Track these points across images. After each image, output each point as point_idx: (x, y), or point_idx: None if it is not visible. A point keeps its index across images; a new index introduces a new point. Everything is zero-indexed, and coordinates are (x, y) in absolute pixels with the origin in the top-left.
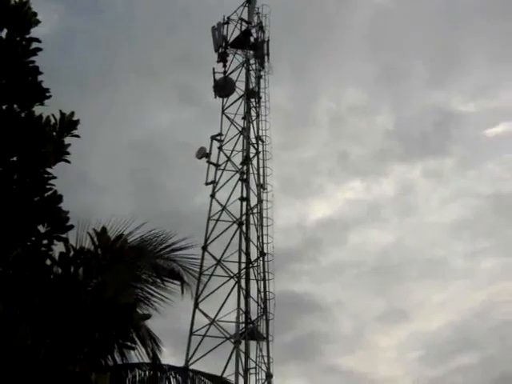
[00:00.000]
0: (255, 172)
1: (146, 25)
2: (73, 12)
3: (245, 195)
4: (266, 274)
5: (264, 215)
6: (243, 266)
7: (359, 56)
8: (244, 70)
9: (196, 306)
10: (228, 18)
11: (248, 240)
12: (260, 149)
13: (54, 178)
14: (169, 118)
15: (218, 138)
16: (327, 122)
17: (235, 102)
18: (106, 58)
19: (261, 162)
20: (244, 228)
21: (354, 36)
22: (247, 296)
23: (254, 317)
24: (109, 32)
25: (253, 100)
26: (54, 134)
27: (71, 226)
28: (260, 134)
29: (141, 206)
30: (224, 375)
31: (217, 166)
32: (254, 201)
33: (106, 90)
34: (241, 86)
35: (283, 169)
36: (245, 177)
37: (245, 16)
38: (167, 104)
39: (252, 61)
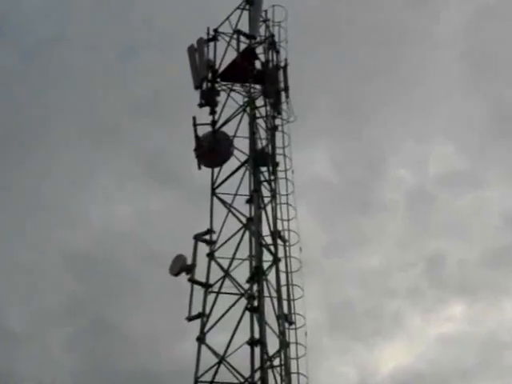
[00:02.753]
0: (273, 295)
1: (89, 53)
2: None
3: (257, 336)
4: None
5: (292, 369)
6: None
7: (450, 90)
8: (246, 118)
9: None
10: (215, 30)
11: None
12: (280, 254)
13: None
14: (126, 207)
15: (207, 237)
16: (403, 202)
17: (233, 173)
18: (29, 109)
19: (283, 276)
20: None
21: (440, 56)
22: None
23: None
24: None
25: (264, 169)
26: None
27: None
28: (280, 227)
29: (85, 362)
30: None
31: (206, 286)
32: (273, 346)
33: (27, 158)
34: (242, 146)
35: (329, 287)
36: (255, 304)
37: (244, 26)
38: (124, 182)
39: (260, 101)
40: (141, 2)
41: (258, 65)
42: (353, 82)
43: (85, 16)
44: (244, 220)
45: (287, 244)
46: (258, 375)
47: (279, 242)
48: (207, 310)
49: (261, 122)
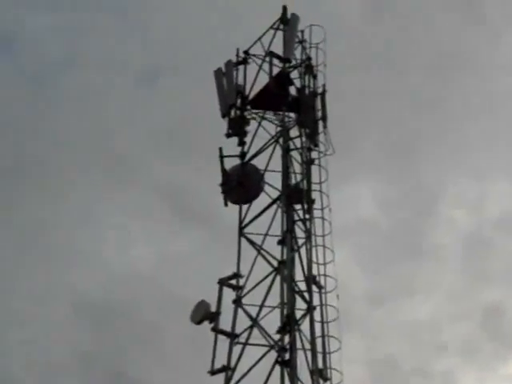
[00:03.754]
0: (307, 347)
1: (105, 76)
2: None
3: None
4: None
5: None
6: None
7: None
8: (279, 150)
9: None
10: (246, 52)
11: None
12: (316, 302)
13: None
14: (146, 248)
15: (234, 282)
16: (457, 247)
17: (264, 211)
18: (36, 141)
19: (318, 326)
20: None
21: (500, 83)
22: None
23: None
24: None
25: (298, 207)
26: None
27: None
28: (315, 272)
29: None
30: None
31: (232, 336)
32: None
33: (34, 194)
34: (274, 181)
35: (372, 341)
36: (287, 357)
37: (278, 48)
38: (143, 221)
39: (294, 132)
40: (163, 19)
41: (292, 91)
42: (402, 113)
43: (99, 35)
44: (275, 263)
45: (323, 291)
46: None
47: (314, 288)
48: (233, 363)
49: (295, 155)
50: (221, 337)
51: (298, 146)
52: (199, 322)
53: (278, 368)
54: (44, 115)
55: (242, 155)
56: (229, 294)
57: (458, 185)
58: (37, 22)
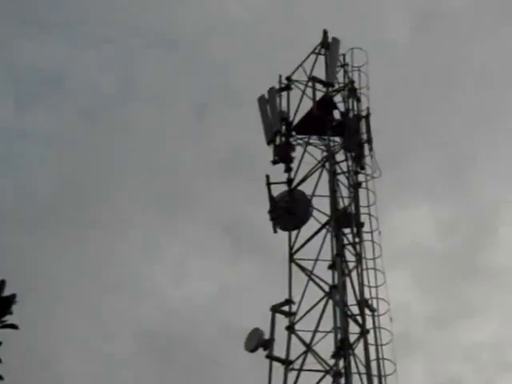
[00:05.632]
0: (362, 371)
1: (159, 110)
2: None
3: None
4: None
5: None
6: None
7: None
8: (325, 175)
9: None
10: (288, 78)
11: None
12: (369, 325)
13: None
14: (203, 279)
15: (286, 308)
16: None
17: (313, 236)
18: (92, 178)
19: (372, 350)
20: None
21: None
22: None
23: None
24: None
25: (347, 231)
26: None
27: None
28: (367, 295)
29: None
30: None
31: (286, 363)
32: None
33: (93, 230)
34: (322, 206)
35: (433, 363)
36: (342, 381)
37: (320, 73)
38: (200, 251)
39: (340, 156)
40: (212, 52)
41: (336, 115)
42: (453, 131)
43: (152, 69)
44: (327, 288)
45: (376, 314)
46: None
47: (367, 311)
48: None
49: (342, 179)
50: (276, 364)
51: (345, 169)
52: (253, 350)
53: None
54: (100, 151)
55: (289, 181)
56: (282, 321)
57: None
58: (87, 56)
